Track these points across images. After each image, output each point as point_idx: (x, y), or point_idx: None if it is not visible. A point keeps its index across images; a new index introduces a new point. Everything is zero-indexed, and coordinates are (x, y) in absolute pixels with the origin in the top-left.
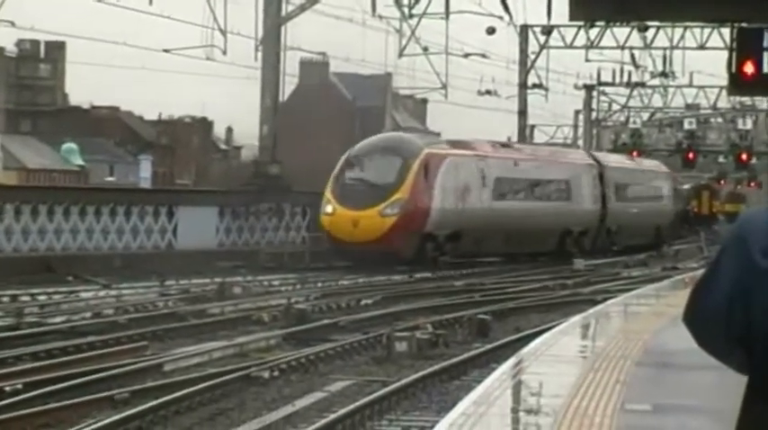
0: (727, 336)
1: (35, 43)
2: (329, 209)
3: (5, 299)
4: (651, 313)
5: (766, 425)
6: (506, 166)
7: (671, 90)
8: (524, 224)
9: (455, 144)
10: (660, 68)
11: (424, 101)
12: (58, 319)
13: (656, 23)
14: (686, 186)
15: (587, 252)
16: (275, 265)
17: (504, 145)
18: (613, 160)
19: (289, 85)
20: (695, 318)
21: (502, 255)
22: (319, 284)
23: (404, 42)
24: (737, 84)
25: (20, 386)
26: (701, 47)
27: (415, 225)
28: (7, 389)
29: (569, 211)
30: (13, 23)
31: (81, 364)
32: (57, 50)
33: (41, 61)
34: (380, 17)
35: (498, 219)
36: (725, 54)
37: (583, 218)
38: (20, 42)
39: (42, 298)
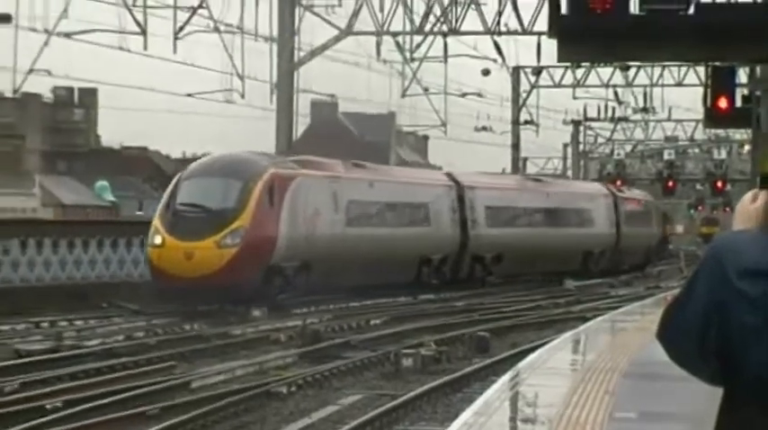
0: (702, 350)
1: (69, 90)
2: (158, 240)
3: (45, 324)
4: (636, 329)
5: (744, 427)
6: (361, 188)
7: (651, 124)
8: (379, 252)
9: (304, 163)
10: (641, 104)
11: (426, 137)
12: (93, 342)
13: (637, 63)
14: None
15: (448, 282)
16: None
17: (357, 165)
18: (482, 181)
19: (301, 125)
20: (669, 334)
21: (357, 288)
22: (331, 307)
23: (406, 84)
24: (712, 117)
25: (59, 404)
26: (679, 84)
27: (260, 257)
28: (48, 406)
29: (427, 237)
30: (49, 72)
31: (115, 383)
32: (89, 96)
33: (75, 106)
34: (384, 61)
35: (352, 248)
36: (700, 90)
37: (443, 244)
38: (55, 89)
39: (79, 323)
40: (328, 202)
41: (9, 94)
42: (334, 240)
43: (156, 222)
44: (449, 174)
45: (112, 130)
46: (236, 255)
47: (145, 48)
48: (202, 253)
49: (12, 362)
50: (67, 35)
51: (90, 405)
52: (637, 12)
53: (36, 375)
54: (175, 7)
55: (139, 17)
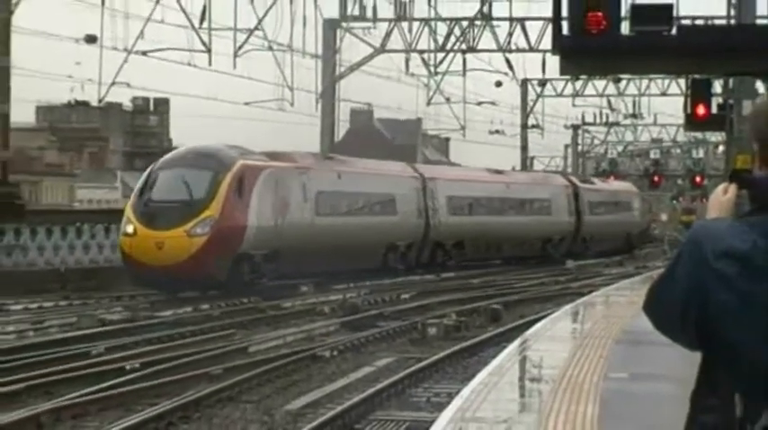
0: (683, 322)
1: (146, 100)
2: (129, 229)
3: (126, 298)
4: (627, 302)
5: (718, 385)
6: (330, 179)
7: (640, 128)
8: (348, 240)
9: (274, 156)
10: (631, 111)
11: (447, 139)
12: (166, 313)
13: (628, 76)
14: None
15: (413, 267)
16: None
17: (327, 157)
18: (444, 173)
19: (342, 129)
20: (654, 307)
21: (326, 274)
22: (366, 283)
23: (431, 94)
24: (692, 122)
25: (137, 365)
26: (663, 94)
27: (229, 245)
28: (127, 367)
29: (393, 226)
30: (128, 84)
31: (184, 348)
32: (163, 105)
33: (151, 113)
34: (412, 75)
35: (321, 236)
36: (682, 99)
37: (408, 232)
38: (134, 99)
39: (153, 297)
40: (298, 193)
41: (95, 104)
42: (303, 229)
43: (129, 212)
44: (414, 167)
45: (182, 134)
46: (206, 244)
47: (209, 63)
48: (173, 242)
49: (97, 329)
50: (144, 53)
51: (163, 366)
52: (627, 32)
53: (117, 341)
54: (235, 29)
55: (205, 38)
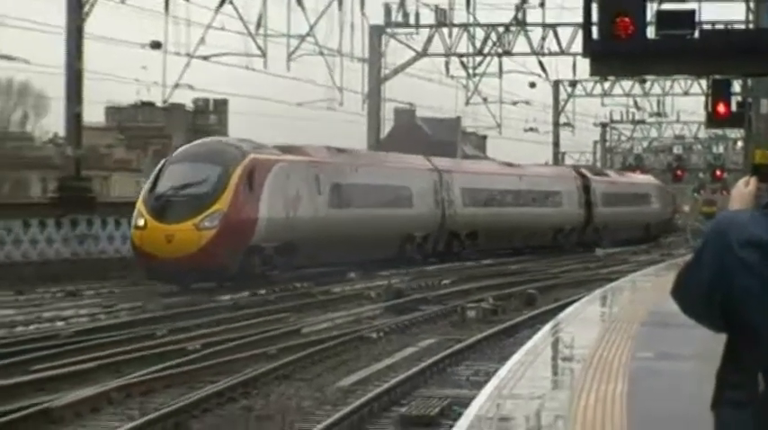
0: (708, 306)
1: (206, 100)
2: (140, 222)
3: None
4: (652, 287)
5: (743, 363)
6: (345, 172)
7: (663, 125)
8: (363, 231)
9: (287, 150)
10: (655, 110)
11: (484, 137)
12: (225, 297)
13: (653, 77)
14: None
15: (429, 256)
16: None
17: (341, 150)
18: (459, 166)
19: (386, 127)
20: (681, 292)
21: (341, 264)
22: (410, 270)
23: (469, 94)
24: (713, 120)
25: (198, 346)
26: (686, 93)
27: (239, 238)
28: (189, 348)
29: (410, 217)
30: (191, 87)
31: (242, 330)
32: (222, 106)
33: (211, 113)
34: (452, 77)
35: (334, 228)
36: (703, 98)
37: (424, 223)
38: (196, 100)
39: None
40: (311, 186)
41: (160, 104)
42: (316, 221)
43: (140, 205)
44: (430, 160)
45: (239, 132)
46: (214, 237)
47: (265, 67)
48: (182, 235)
49: (161, 313)
50: (205, 58)
51: (222, 347)
52: (653, 36)
53: (180, 323)
54: (288, 35)
55: (261, 43)
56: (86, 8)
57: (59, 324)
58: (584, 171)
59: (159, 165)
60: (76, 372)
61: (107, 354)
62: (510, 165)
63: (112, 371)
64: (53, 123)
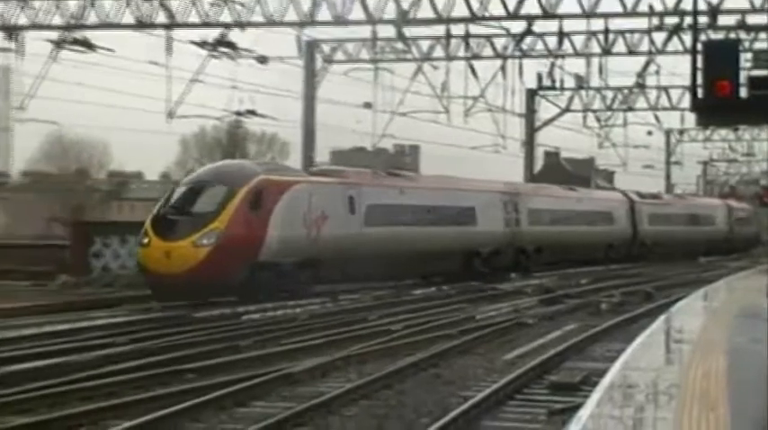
0: None
1: (403, 146)
2: (145, 240)
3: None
4: (743, 288)
5: None
6: (383, 194)
7: (752, 162)
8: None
9: (322, 173)
10: (746, 151)
11: (613, 172)
12: (417, 292)
13: (744, 126)
14: None
15: (497, 269)
16: None
17: (390, 173)
18: (526, 189)
19: (537, 166)
20: None
21: (373, 279)
22: (556, 272)
23: (601, 140)
24: None
25: (400, 327)
26: None
27: (239, 255)
28: (393, 328)
29: (473, 235)
30: (393, 136)
31: (432, 316)
32: (415, 150)
33: (407, 155)
34: (588, 127)
35: (368, 246)
36: None
37: (490, 240)
38: (396, 145)
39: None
40: (341, 205)
41: (370, 149)
42: (348, 239)
43: (147, 224)
44: (502, 184)
45: (428, 170)
46: (210, 254)
47: (448, 120)
48: (179, 251)
49: (371, 303)
50: (403, 114)
51: (417, 328)
52: (745, 96)
53: (386, 311)
54: (465, 97)
55: (444, 103)
56: (317, 79)
57: (298, 310)
58: (630, 194)
59: (172, 187)
60: (311, 346)
61: (333, 333)
62: (571, 189)
63: (336, 346)
64: (294, 164)
